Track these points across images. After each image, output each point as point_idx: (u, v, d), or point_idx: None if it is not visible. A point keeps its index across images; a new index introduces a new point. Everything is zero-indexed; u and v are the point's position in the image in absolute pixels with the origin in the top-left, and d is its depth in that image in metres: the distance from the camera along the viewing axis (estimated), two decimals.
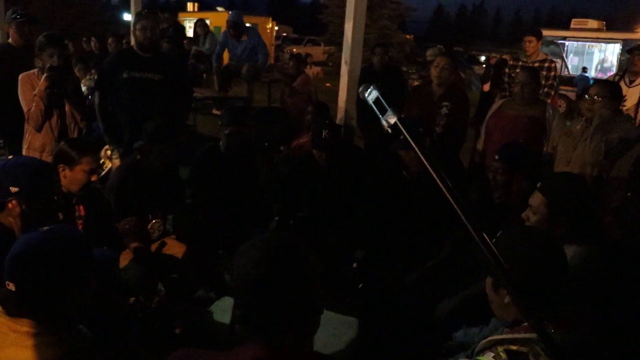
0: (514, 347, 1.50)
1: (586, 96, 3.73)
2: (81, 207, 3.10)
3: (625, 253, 2.88)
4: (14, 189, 2.17)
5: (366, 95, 1.30)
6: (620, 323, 2.49)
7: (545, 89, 6.28)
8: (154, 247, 3.50)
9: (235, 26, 7.64)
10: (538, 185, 2.57)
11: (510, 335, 1.57)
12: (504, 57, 7.00)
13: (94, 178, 3.03)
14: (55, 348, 1.53)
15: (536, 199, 2.52)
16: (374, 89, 1.26)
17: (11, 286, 1.55)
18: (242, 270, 1.36)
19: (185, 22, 20.71)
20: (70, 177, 2.94)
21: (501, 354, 1.50)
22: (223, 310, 2.77)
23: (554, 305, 1.62)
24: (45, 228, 1.68)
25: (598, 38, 15.27)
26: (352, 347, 2.61)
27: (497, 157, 3.31)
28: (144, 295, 2.92)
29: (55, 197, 2.57)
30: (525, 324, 1.57)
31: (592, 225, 2.65)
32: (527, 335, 1.51)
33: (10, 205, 2.19)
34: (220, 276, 3.58)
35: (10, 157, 2.54)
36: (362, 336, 2.72)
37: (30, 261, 1.57)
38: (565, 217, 2.43)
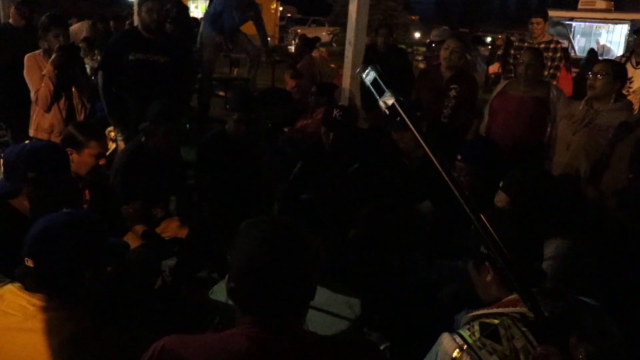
0: (487, 320, 1.59)
1: (589, 74, 3.70)
2: (86, 191, 3.11)
3: (629, 241, 2.88)
4: (30, 174, 2.21)
5: (363, 76, 1.29)
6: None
7: (551, 71, 6.24)
8: (159, 229, 3.52)
9: None
10: (500, 183, 2.52)
11: (485, 311, 1.66)
12: (512, 38, 6.94)
13: (102, 162, 3.04)
14: (67, 324, 1.59)
15: (500, 198, 2.48)
16: (372, 69, 1.26)
17: (30, 262, 1.62)
18: (244, 247, 1.37)
19: (189, 2, 20.60)
20: (78, 161, 2.93)
21: (475, 325, 1.58)
22: (225, 291, 2.79)
23: (535, 279, 1.70)
24: (65, 210, 1.78)
25: (606, 19, 15.09)
26: (354, 328, 2.63)
27: (459, 157, 3.17)
28: (147, 277, 2.95)
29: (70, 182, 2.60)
30: (503, 300, 1.67)
31: (577, 217, 2.60)
32: (500, 309, 1.61)
33: (26, 190, 2.23)
34: (223, 257, 3.60)
35: (27, 142, 2.57)
36: (365, 317, 2.74)
37: (50, 239, 1.64)
38: (534, 214, 2.31)
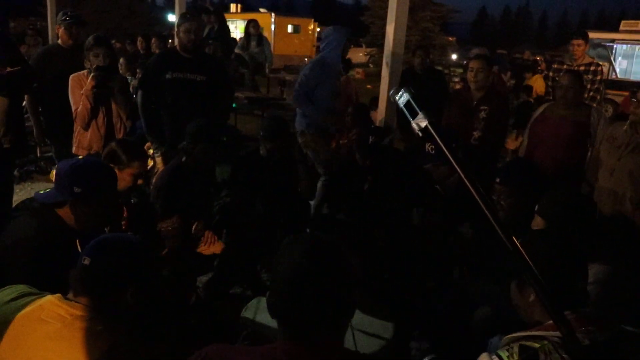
0: (527, 343, 1.55)
1: (633, 99, 3.63)
2: (124, 208, 3.18)
3: None
4: (76, 189, 2.27)
5: (397, 98, 1.29)
6: None
7: (591, 93, 6.13)
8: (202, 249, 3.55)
9: None
10: (536, 207, 2.47)
11: (525, 333, 1.62)
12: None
13: (139, 182, 3.11)
14: (103, 336, 1.63)
15: (537, 222, 2.44)
16: (405, 91, 1.26)
17: (87, 261, 1.72)
18: (286, 263, 1.39)
19: (228, 23, 20.94)
20: (118, 178, 3.00)
21: (514, 347, 1.56)
22: (258, 308, 2.80)
23: (576, 304, 1.66)
24: (130, 233, 1.92)
25: None
26: (387, 351, 2.61)
27: (498, 180, 3.09)
28: (182, 293, 2.97)
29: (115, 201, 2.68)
30: (544, 324, 1.62)
31: (620, 242, 2.53)
32: (540, 332, 1.58)
33: (71, 203, 2.30)
34: (257, 275, 3.62)
35: (80, 157, 2.64)
36: (398, 340, 2.71)
37: (110, 246, 1.78)
38: (570, 236, 2.21)
